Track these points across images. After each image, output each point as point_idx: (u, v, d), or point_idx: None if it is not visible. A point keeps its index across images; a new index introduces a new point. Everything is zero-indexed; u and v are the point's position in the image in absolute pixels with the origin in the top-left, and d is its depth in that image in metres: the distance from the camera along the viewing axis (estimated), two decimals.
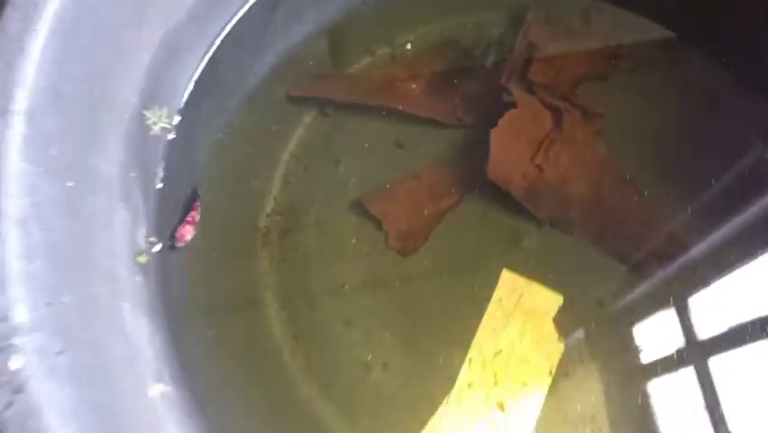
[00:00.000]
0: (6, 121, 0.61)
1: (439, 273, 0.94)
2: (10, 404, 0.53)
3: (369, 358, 0.89)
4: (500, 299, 0.92)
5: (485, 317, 0.91)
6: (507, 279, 0.93)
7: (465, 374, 0.88)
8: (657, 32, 1.10)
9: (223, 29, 1.03)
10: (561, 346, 0.90)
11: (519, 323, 0.91)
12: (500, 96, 1.03)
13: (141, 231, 0.86)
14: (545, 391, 0.88)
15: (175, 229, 0.91)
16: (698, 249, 0.97)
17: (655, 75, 1.09)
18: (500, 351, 0.89)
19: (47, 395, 0.55)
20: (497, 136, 0.97)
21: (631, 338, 0.92)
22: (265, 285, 0.93)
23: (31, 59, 0.65)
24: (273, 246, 0.95)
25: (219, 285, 0.93)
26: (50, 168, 0.66)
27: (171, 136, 0.95)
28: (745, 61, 1.05)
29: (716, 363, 0.90)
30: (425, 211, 0.97)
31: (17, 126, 0.62)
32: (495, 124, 0.98)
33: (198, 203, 0.94)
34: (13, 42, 0.63)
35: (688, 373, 0.90)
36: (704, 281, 0.95)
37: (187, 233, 0.92)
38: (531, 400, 0.87)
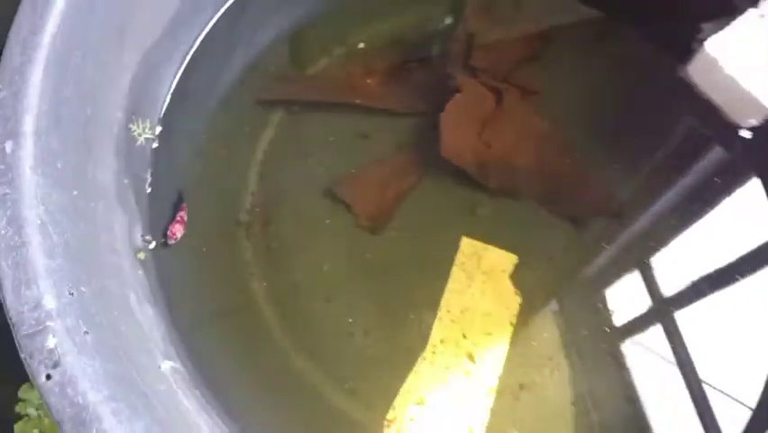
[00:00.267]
0: (19, 142, 0.67)
1: (406, 245, 0.98)
2: (49, 376, 0.59)
3: (350, 326, 0.93)
4: (462, 263, 0.97)
5: (450, 279, 0.96)
6: (467, 244, 0.97)
7: (437, 332, 0.92)
8: (584, 11, 1.15)
9: (193, 43, 1.07)
10: (518, 299, 0.95)
11: (480, 282, 0.96)
12: (447, 83, 1.07)
13: (138, 231, 0.91)
14: (508, 340, 0.93)
15: (166, 228, 0.95)
16: (634, 204, 1.03)
17: (585, 51, 1.14)
18: (466, 308, 0.94)
19: (80, 368, 0.60)
20: (446, 119, 1.02)
21: (580, 286, 0.99)
22: (252, 272, 0.96)
23: (33, 87, 0.69)
24: (256, 237, 0.98)
25: (211, 275, 0.96)
26: (58, 180, 0.71)
27: (155, 145, 0.99)
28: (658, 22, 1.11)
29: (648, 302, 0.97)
30: (390, 192, 1.01)
31: (28, 146, 0.67)
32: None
33: (185, 203, 0.97)
34: (18, 74, 0.69)
35: (633, 310, 0.96)
36: (642, 233, 1.01)
37: (178, 231, 0.95)
38: (496, 348, 0.92)
